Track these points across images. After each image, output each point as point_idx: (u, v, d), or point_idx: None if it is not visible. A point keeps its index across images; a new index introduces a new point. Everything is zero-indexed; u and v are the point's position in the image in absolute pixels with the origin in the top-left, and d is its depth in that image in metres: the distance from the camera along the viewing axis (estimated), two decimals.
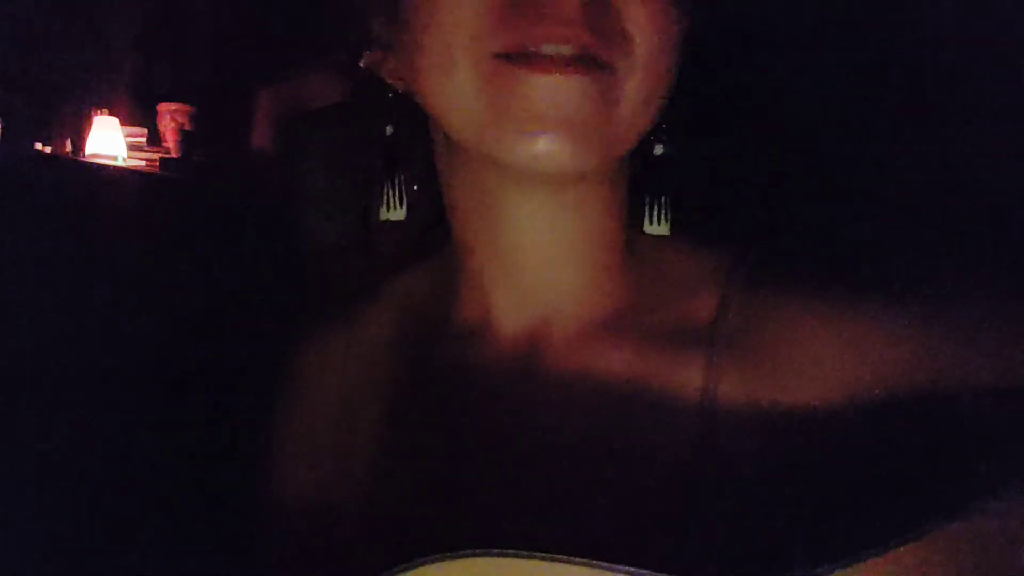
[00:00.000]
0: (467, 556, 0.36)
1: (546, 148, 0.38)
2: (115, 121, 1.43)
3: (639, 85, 0.40)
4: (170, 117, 1.50)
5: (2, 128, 1.21)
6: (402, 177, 0.48)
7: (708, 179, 0.51)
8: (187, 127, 1.49)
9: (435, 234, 0.50)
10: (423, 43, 0.40)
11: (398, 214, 0.48)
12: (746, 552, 0.35)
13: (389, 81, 0.47)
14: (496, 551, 0.36)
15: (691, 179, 0.45)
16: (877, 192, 0.54)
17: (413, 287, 0.54)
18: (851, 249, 0.49)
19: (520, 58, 0.37)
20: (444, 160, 0.47)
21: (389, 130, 0.48)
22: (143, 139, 1.47)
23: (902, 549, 0.32)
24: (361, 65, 0.48)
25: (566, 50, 0.37)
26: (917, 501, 0.34)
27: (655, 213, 0.46)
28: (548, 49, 0.37)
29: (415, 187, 0.48)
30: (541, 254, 0.46)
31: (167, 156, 1.48)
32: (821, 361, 0.40)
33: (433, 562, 0.37)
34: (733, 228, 0.48)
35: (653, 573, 0.34)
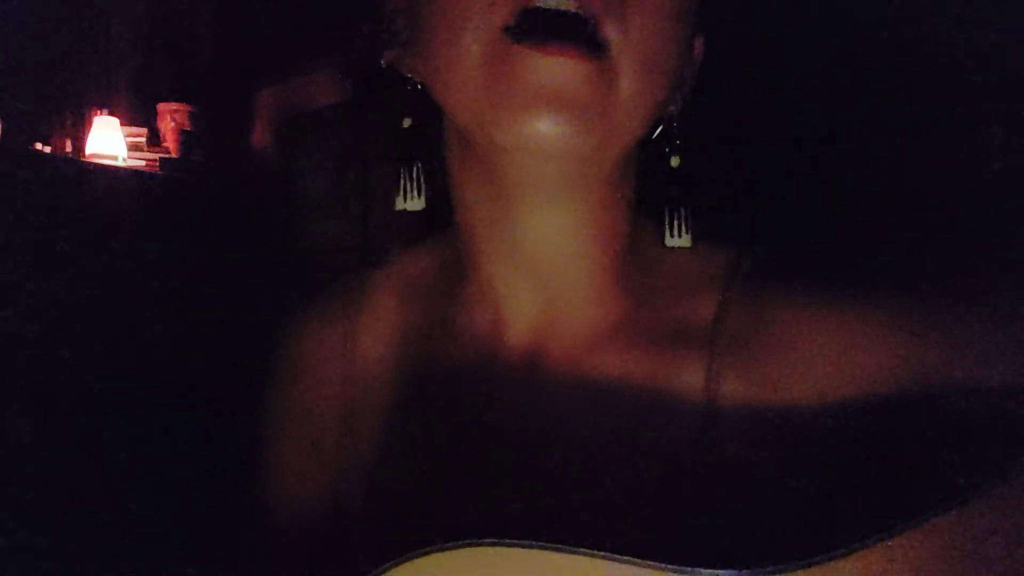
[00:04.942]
0: (466, 546, 0.36)
1: (545, 128, 0.39)
2: (115, 121, 1.43)
3: (636, 67, 0.40)
4: (170, 117, 1.51)
5: (2, 128, 1.21)
6: (419, 167, 0.49)
7: (716, 185, 0.51)
8: (187, 127, 1.49)
9: (441, 213, 0.51)
10: (437, 28, 0.41)
11: (415, 204, 0.49)
12: (748, 546, 0.35)
13: (408, 75, 0.48)
14: (495, 540, 0.36)
15: (707, 189, 0.45)
16: (877, 193, 0.54)
17: (418, 263, 0.54)
18: (850, 250, 0.49)
19: (525, 34, 0.38)
20: (455, 159, 0.47)
21: (407, 122, 0.49)
22: (143, 139, 1.47)
23: (899, 539, 0.32)
24: (383, 64, 0.50)
25: (565, 3, 0.38)
26: (914, 492, 0.34)
27: (675, 226, 0.46)
28: (550, 3, 0.38)
29: (429, 180, 0.49)
30: (547, 256, 0.46)
31: (167, 156, 1.48)
32: (821, 361, 0.40)
33: (431, 552, 0.37)
34: (733, 230, 0.49)
35: (652, 563, 0.34)
